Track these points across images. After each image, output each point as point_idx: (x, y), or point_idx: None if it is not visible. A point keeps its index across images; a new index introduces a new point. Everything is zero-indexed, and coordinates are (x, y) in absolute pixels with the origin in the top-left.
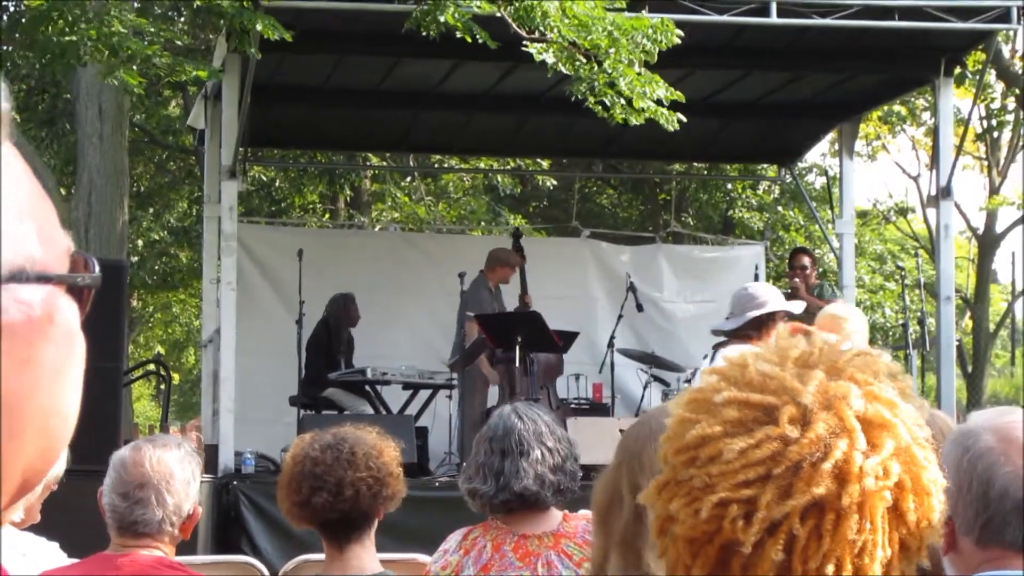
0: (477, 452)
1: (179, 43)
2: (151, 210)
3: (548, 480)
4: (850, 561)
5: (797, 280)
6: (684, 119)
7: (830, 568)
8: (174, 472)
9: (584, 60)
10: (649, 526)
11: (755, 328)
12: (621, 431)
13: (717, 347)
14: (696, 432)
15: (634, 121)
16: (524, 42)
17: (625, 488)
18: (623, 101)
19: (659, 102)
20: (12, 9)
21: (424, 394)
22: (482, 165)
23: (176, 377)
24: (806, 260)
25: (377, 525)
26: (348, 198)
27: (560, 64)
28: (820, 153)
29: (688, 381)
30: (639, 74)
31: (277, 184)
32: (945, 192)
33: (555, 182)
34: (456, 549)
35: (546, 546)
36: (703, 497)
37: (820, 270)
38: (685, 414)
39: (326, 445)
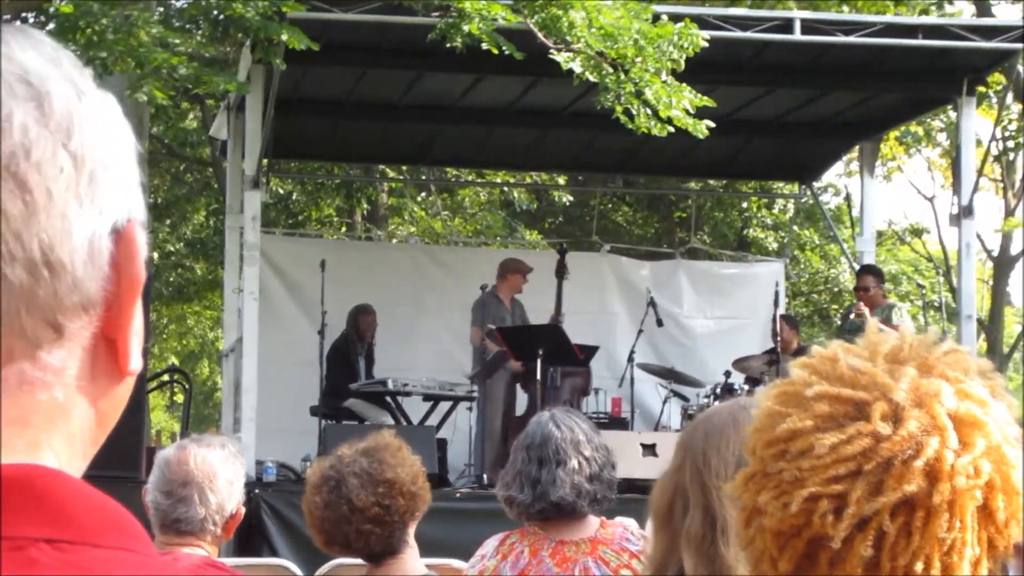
0: (514, 459)
1: (206, 54)
2: (168, 222)
3: (584, 489)
4: (939, 559)
5: (861, 303)
6: (713, 124)
7: (919, 566)
8: (218, 471)
9: (611, 69)
10: (725, 521)
11: None
12: (642, 445)
13: None
14: (787, 426)
15: (657, 132)
16: (551, 52)
17: (692, 488)
18: (648, 111)
19: (687, 111)
20: (32, 21)
21: (444, 406)
22: (499, 180)
23: None
24: (868, 281)
25: None
26: (365, 211)
27: (587, 73)
28: (835, 173)
29: (708, 397)
30: (664, 82)
31: (295, 197)
32: (967, 211)
33: (571, 198)
34: (493, 554)
35: (583, 552)
36: (793, 491)
37: (836, 290)
38: (775, 407)
39: (348, 473)
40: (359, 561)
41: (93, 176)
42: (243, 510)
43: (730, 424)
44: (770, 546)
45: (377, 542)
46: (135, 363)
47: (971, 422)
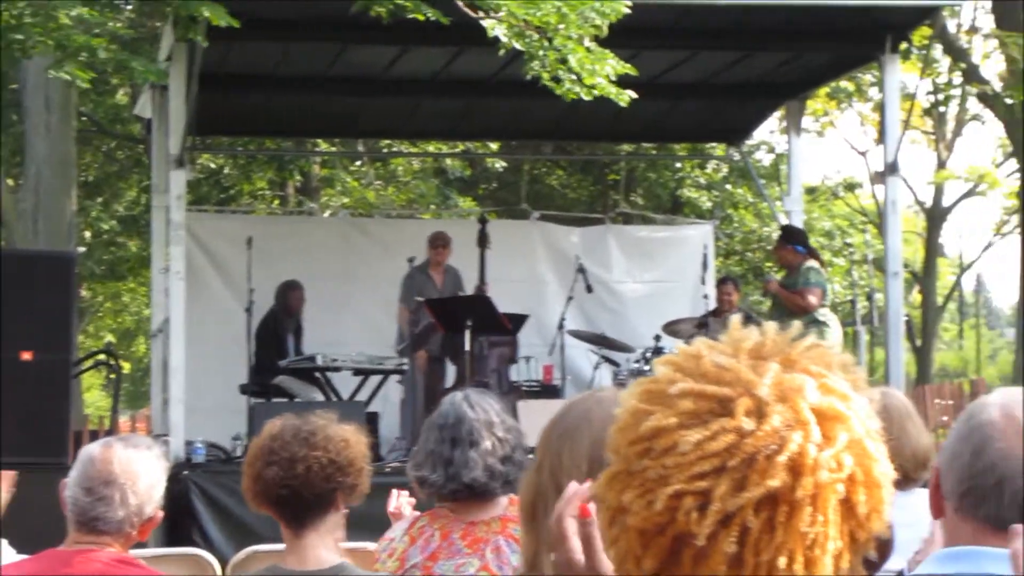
0: (427, 439)
1: (123, 35)
2: (100, 200)
3: (497, 471)
4: (802, 553)
5: (771, 280)
6: (635, 95)
7: (782, 560)
8: (140, 473)
9: (535, 36)
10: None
11: None
12: None
13: None
14: (651, 423)
15: (585, 97)
16: (478, 16)
17: (549, 488)
18: (574, 77)
19: (610, 78)
20: None
21: (374, 380)
22: (431, 149)
23: (127, 366)
24: (777, 243)
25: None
26: (297, 184)
27: (512, 40)
28: (768, 130)
29: (638, 362)
30: (589, 50)
31: (226, 171)
32: (892, 168)
33: (504, 164)
34: (402, 537)
35: (494, 531)
36: (657, 489)
37: (769, 248)
38: (639, 405)
39: (290, 425)
40: (274, 547)
41: None
42: (161, 514)
43: (584, 421)
44: (634, 544)
45: (315, 487)
46: None
47: (833, 416)
